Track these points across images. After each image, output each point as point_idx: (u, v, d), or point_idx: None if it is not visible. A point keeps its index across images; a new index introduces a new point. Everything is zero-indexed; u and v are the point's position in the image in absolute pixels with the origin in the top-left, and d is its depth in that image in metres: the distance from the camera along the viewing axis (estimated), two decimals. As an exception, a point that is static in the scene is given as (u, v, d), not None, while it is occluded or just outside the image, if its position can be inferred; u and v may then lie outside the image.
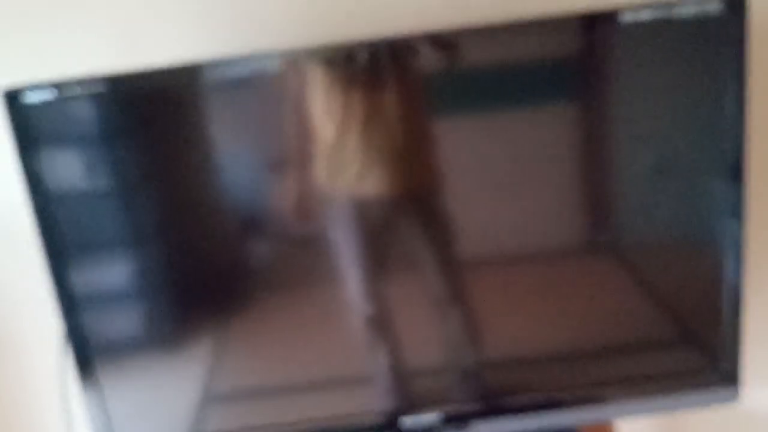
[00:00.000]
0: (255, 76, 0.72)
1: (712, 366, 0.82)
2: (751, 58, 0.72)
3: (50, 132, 0.72)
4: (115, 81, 0.71)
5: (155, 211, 0.75)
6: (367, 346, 0.80)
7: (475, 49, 0.71)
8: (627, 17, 0.71)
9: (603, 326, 0.81)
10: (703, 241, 0.78)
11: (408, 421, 0.83)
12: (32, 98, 0.71)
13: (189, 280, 0.77)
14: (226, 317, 0.79)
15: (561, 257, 0.78)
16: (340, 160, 0.74)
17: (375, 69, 0.70)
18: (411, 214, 0.77)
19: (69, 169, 0.73)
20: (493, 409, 0.83)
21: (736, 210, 0.77)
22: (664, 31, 0.71)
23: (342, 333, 0.80)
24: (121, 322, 0.78)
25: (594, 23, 0.71)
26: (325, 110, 0.73)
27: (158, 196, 0.75)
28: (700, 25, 0.71)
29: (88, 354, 0.78)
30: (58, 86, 0.71)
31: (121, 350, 0.79)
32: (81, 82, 0.71)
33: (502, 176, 0.75)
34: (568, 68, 0.72)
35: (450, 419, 0.83)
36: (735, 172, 0.76)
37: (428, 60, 0.71)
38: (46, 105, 0.71)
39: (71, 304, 0.77)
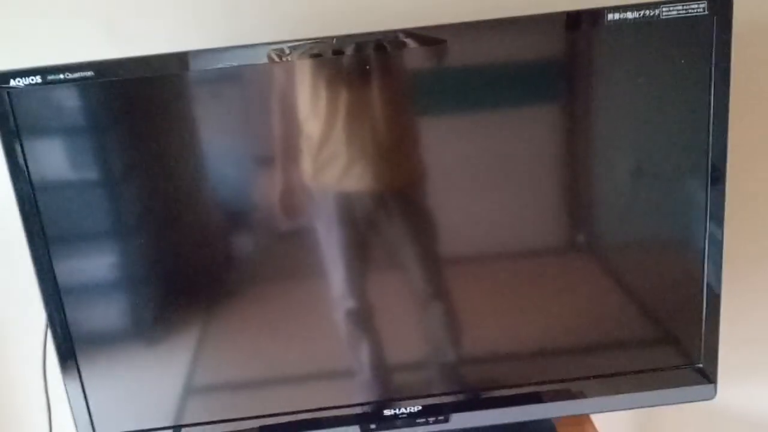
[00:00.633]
0: (242, 67, 0.71)
1: (690, 364, 0.83)
2: (735, 60, 0.73)
3: (34, 119, 0.71)
4: (100, 68, 0.70)
5: (140, 201, 0.75)
6: (350, 339, 0.81)
7: (460, 46, 0.71)
8: (612, 17, 0.71)
9: (582, 323, 0.81)
10: (683, 241, 0.79)
11: (389, 412, 0.83)
12: (16, 84, 0.70)
13: (172, 271, 0.77)
14: (209, 310, 0.79)
15: (542, 255, 0.79)
16: (326, 155, 0.74)
17: (361, 64, 0.70)
18: (395, 210, 0.77)
19: (53, 157, 0.73)
20: (473, 401, 0.84)
21: (716, 211, 0.78)
22: (649, 31, 0.72)
23: (324, 326, 0.80)
24: (104, 312, 0.78)
25: (579, 22, 0.71)
26: (311, 104, 0.73)
27: (142, 187, 0.75)
28: (685, 25, 0.71)
29: (70, 344, 0.78)
30: (42, 72, 0.70)
31: (103, 341, 0.79)
32: (66, 69, 0.70)
33: (485, 174, 0.76)
34: (552, 67, 0.72)
35: (431, 411, 0.84)
36: (716, 173, 0.76)
37: (414, 56, 0.71)
38: (29, 91, 0.70)
39: (54, 294, 0.77)
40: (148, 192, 0.75)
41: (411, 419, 0.84)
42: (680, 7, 0.71)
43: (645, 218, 0.78)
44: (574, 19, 0.71)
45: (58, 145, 0.73)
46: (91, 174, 0.74)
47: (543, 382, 0.83)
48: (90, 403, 0.81)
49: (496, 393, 0.84)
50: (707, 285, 0.80)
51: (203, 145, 0.74)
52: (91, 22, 0.87)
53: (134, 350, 0.79)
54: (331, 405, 0.83)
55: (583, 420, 0.93)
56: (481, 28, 0.71)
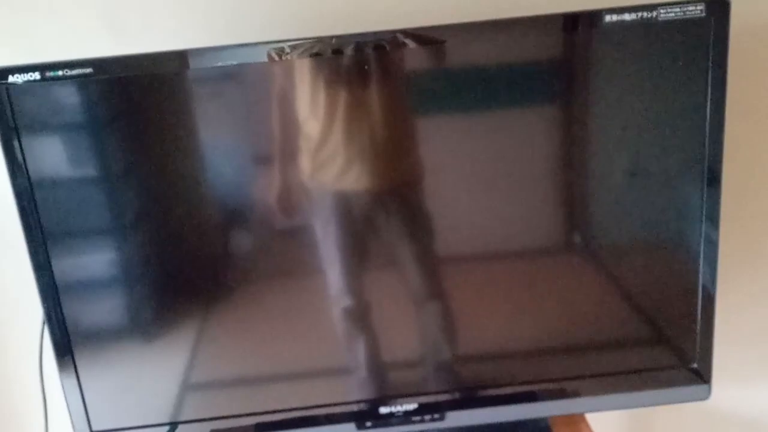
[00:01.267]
0: (241, 65, 0.71)
1: (684, 364, 0.84)
2: (732, 62, 0.73)
3: (32, 115, 0.71)
4: (99, 65, 0.70)
5: (138, 199, 0.75)
6: (347, 337, 0.81)
7: (459, 46, 0.71)
8: (610, 18, 0.71)
9: (577, 323, 0.82)
10: (678, 242, 0.79)
11: (385, 410, 0.84)
12: (14, 80, 0.70)
13: (169, 269, 0.78)
14: (206, 307, 0.79)
15: (537, 255, 0.79)
16: (325, 154, 0.74)
17: (361, 64, 0.71)
18: (393, 209, 0.77)
19: (51, 153, 0.73)
20: (469, 400, 0.84)
21: (711, 212, 0.78)
22: (646, 32, 0.72)
23: (321, 324, 0.80)
24: (101, 309, 0.78)
25: (577, 24, 0.71)
26: (310, 103, 0.73)
27: (140, 184, 0.75)
28: (682, 27, 0.72)
29: (67, 340, 0.78)
30: (40, 68, 0.70)
31: (100, 337, 0.79)
32: (65, 65, 0.70)
33: (483, 175, 0.76)
34: (550, 68, 0.73)
35: (426, 409, 0.84)
36: (712, 174, 0.77)
37: (413, 56, 0.71)
38: (28, 87, 0.70)
39: (51, 291, 0.77)
40: (146, 189, 0.75)
41: (407, 417, 0.84)
42: (678, 9, 0.71)
43: (641, 219, 0.78)
44: (572, 21, 0.71)
45: (57, 141, 0.73)
46: (89, 171, 0.74)
47: (538, 381, 0.84)
48: (86, 399, 0.81)
49: (492, 391, 0.84)
50: (702, 285, 0.81)
51: (202, 142, 0.74)
52: (92, 18, 0.87)
53: (131, 347, 0.80)
54: (328, 402, 0.83)
55: (577, 419, 0.93)
56: (480, 29, 0.71)
